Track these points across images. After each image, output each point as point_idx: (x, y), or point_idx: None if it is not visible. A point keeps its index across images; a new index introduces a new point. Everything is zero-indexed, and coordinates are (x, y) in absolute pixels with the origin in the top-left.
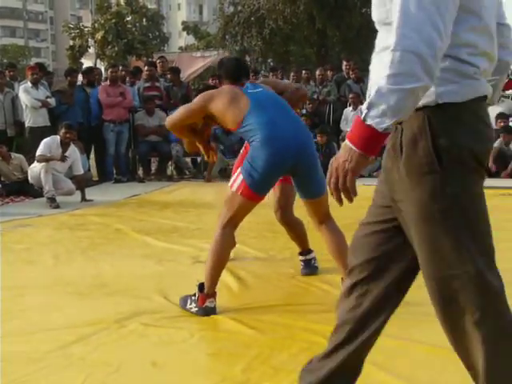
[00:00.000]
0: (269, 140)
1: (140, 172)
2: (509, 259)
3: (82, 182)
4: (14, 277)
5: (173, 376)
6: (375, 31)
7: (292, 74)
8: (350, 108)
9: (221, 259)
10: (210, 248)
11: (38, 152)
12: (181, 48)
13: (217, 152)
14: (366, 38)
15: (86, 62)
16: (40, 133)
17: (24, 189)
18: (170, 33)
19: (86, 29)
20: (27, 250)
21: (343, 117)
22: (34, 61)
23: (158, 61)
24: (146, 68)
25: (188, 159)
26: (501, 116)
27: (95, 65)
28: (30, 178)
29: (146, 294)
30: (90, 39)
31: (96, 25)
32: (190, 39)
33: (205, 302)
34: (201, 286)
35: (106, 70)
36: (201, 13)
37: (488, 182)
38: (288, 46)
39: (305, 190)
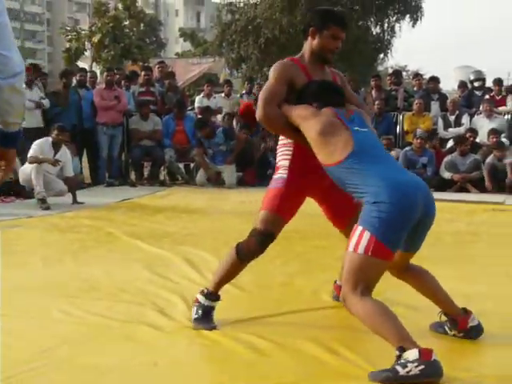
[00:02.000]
0: (395, 194)
1: (132, 176)
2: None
3: (73, 184)
4: (2, 279)
5: (163, 380)
6: (371, 44)
7: None
8: None
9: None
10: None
11: (30, 153)
12: (177, 54)
13: (204, 159)
14: (362, 50)
15: (82, 65)
16: (33, 134)
17: (15, 189)
18: (167, 39)
19: (83, 32)
20: (16, 251)
21: None
22: (29, 62)
23: (157, 66)
24: (142, 73)
25: (181, 164)
26: (493, 132)
27: (91, 68)
28: (20, 180)
29: (135, 299)
30: (86, 42)
31: (93, 28)
32: (187, 46)
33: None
34: None
35: (101, 73)
36: (198, 20)
37: (479, 196)
38: (284, 55)
39: (411, 243)
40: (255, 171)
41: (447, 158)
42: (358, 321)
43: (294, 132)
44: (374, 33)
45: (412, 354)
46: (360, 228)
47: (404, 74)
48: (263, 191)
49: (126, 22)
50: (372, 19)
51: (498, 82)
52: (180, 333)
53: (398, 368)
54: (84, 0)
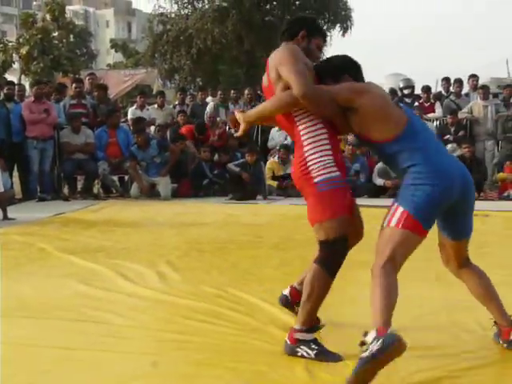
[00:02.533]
0: (437, 170)
1: (65, 190)
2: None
3: (2, 200)
4: None
5: None
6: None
7: (219, 92)
8: (277, 128)
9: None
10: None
11: None
12: (109, 65)
13: (137, 171)
14: None
15: (10, 78)
16: None
17: None
18: (98, 50)
19: (11, 43)
20: None
21: (270, 136)
22: None
23: (87, 77)
24: (73, 85)
25: (115, 177)
26: None
27: (20, 80)
28: None
29: (68, 315)
30: (14, 54)
31: (21, 40)
32: (119, 57)
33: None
34: None
35: (30, 86)
36: (129, 30)
37: None
38: (217, 65)
39: (456, 230)
40: (190, 182)
41: (379, 165)
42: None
43: (337, 109)
44: None
45: (370, 336)
46: (396, 205)
47: None
48: (199, 202)
49: (55, 34)
50: None
51: (427, 89)
52: (117, 345)
53: (364, 354)
54: (11, 11)
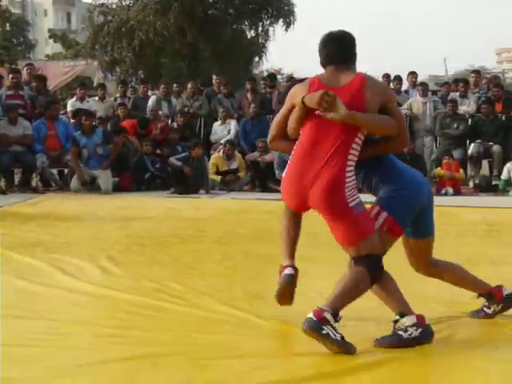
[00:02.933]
0: (413, 184)
1: (2, 183)
2: None
3: None
4: None
5: None
6: (246, 47)
7: (162, 86)
8: (219, 122)
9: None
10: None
11: None
12: (48, 56)
13: (78, 162)
14: (237, 53)
15: None
16: None
17: None
18: (36, 40)
19: None
20: None
21: (213, 130)
22: None
23: (25, 68)
24: (10, 75)
25: (54, 170)
26: None
27: None
28: None
29: (6, 312)
30: None
31: None
32: (58, 47)
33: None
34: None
35: None
36: (69, 21)
37: None
38: (159, 58)
39: (422, 228)
40: (132, 176)
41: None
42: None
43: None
44: (249, 36)
45: (410, 320)
46: (377, 208)
47: (279, 77)
48: (140, 196)
49: None
50: (246, 23)
51: None
52: (55, 341)
53: (400, 332)
54: None
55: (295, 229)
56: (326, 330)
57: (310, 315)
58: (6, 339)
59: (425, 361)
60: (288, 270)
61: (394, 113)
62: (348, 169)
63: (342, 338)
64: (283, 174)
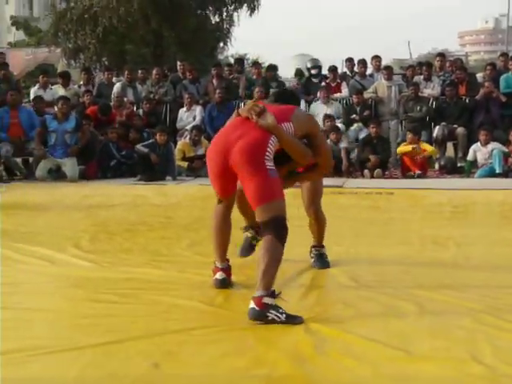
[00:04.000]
0: None
1: None
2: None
3: None
4: None
5: None
6: (210, 33)
7: (126, 72)
8: (185, 108)
9: None
10: None
11: None
12: (10, 44)
13: (41, 144)
14: (202, 39)
15: None
16: None
17: None
18: None
19: None
20: None
21: (179, 117)
22: None
23: None
24: None
25: (19, 159)
26: (327, 116)
27: None
28: None
29: None
30: None
31: None
32: (20, 35)
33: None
34: None
35: None
36: (31, 8)
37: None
38: (124, 45)
39: None
40: (97, 164)
41: None
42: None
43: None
44: (214, 22)
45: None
46: None
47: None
48: (106, 184)
49: None
50: (210, 8)
51: (333, 69)
52: (18, 330)
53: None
54: None
55: (225, 229)
56: (270, 315)
57: (252, 305)
58: None
59: None
60: (219, 275)
61: (317, 138)
62: (269, 145)
63: (287, 316)
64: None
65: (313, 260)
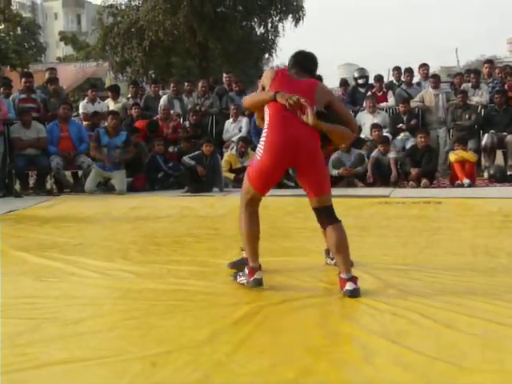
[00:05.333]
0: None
1: (17, 186)
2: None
3: None
4: None
5: None
6: (256, 44)
7: (172, 85)
8: (231, 120)
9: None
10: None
11: None
12: (59, 58)
13: (98, 150)
14: (247, 50)
15: None
16: None
17: None
18: (47, 43)
19: None
20: None
21: (225, 129)
22: None
23: (47, 72)
24: (23, 79)
25: (68, 172)
26: (375, 126)
27: None
28: None
29: (23, 314)
30: None
31: None
32: (69, 50)
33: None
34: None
35: None
36: (79, 23)
37: (365, 191)
38: (169, 57)
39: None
40: (145, 176)
41: (333, 156)
42: None
43: None
44: (259, 33)
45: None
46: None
47: None
48: (154, 196)
49: (1, 26)
50: (256, 19)
51: (379, 78)
52: (79, 342)
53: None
54: None
55: (258, 229)
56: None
57: (355, 286)
58: (20, 339)
59: None
60: (258, 275)
61: (338, 106)
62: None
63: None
64: (262, 147)
65: None
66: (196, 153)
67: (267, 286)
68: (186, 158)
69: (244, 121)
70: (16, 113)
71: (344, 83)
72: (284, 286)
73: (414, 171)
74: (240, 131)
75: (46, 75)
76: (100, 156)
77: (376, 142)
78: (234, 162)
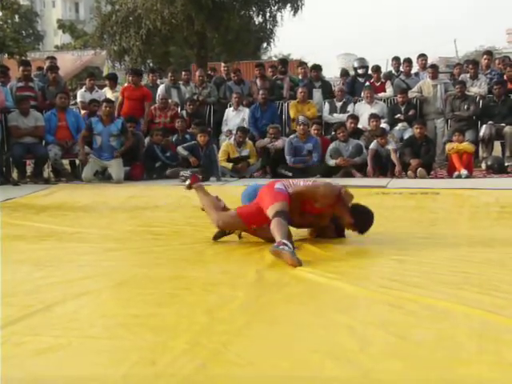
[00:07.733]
0: None
1: (14, 175)
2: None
3: None
4: None
5: None
6: (254, 33)
7: (169, 74)
8: (232, 108)
9: None
10: None
11: None
12: (57, 47)
13: (83, 146)
14: (245, 40)
15: None
16: None
17: None
18: (45, 31)
19: None
20: None
21: (225, 117)
22: None
23: (48, 61)
24: (21, 68)
25: (66, 161)
26: (373, 116)
27: None
28: None
29: (21, 301)
30: None
31: None
32: (67, 38)
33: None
34: None
35: None
36: (77, 11)
37: (363, 181)
38: (167, 46)
39: None
40: (142, 165)
41: (331, 146)
42: None
43: None
44: (257, 22)
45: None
46: None
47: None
48: (151, 185)
49: None
50: (254, 9)
51: (377, 68)
52: (76, 328)
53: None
54: None
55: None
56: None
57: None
58: (17, 326)
59: None
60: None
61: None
62: None
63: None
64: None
65: None
66: (191, 143)
67: (264, 276)
68: (180, 148)
69: (246, 111)
70: (14, 101)
71: (345, 73)
72: (280, 277)
73: (414, 162)
74: (243, 120)
75: (47, 63)
76: (82, 149)
77: (373, 132)
78: (232, 151)
